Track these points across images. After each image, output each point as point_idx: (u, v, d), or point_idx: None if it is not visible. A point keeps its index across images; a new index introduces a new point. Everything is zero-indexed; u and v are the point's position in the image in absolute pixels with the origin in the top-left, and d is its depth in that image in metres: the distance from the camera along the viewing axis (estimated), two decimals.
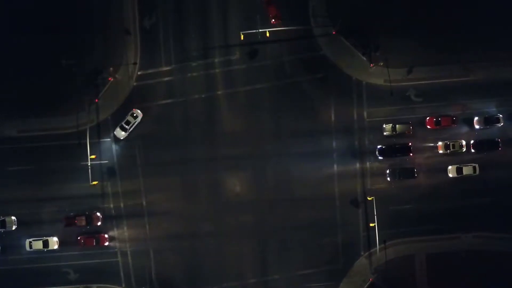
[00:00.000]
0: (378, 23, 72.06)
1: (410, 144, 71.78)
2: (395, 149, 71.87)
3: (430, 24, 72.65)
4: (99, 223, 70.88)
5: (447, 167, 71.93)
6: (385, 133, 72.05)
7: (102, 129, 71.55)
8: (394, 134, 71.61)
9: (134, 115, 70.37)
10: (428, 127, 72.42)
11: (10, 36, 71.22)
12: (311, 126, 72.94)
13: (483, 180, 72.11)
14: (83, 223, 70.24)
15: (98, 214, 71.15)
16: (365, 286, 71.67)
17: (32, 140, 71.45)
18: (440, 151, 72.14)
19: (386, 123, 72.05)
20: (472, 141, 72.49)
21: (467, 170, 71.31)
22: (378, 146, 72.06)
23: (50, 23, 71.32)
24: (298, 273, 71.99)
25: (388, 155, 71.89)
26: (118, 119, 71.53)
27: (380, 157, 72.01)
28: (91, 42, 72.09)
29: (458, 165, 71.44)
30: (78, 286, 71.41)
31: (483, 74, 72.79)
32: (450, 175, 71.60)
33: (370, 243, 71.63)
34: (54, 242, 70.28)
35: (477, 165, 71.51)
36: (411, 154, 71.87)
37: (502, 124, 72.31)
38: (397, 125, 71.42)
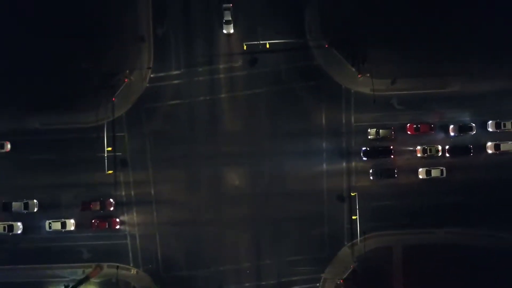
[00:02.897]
0: (366, 38, 75.45)
1: (391, 147, 76.17)
2: (378, 151, 76.20)
3: (412, 40, 76.24)
4: (111, 209, 75.29)
5: (419, 168, 76.24)
6: (369, 137, 76.20)
7: (117, 125, 75.78)
8: (378, 137, 75.89)
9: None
10: (409, 132, 76.53)
11: (37, 40, 75.45)
12: (303, 128, 76.61)
13: (449, 182, 76.09)
14: (98, 208, 74.88)
15: (111, 200, 75.51)
16: (347, 273, 75.88)
17: (54, 133, 75.50)
18: (419, 155, 76.39)
19: (371, 128, 76.25)
20: (447, 147, 76.74)
21: (435, 173, 75.64)
22: (363, 148, 76.30)
23: (74, 30, 75.51)
24: (287, 259, 76.20)
25: (371, 156, 76.20)
26: (132, 116, 75.82)
27: (364, 158, 76.29)
28: (109, 48, 76.19)
29: (427, 168, 75.80)
30: (90, 264, 75.52)
31: (459, 87, 76.65)
32: (420, 177, 76.09)
33: (353, 235, 75.94)
34: (71, 224, 74.92)
35: (444, 169, 75.80)
36: (392, 156, 76.27)
37: (474, 132, 76.46)
38: (380, 130, 75.79)
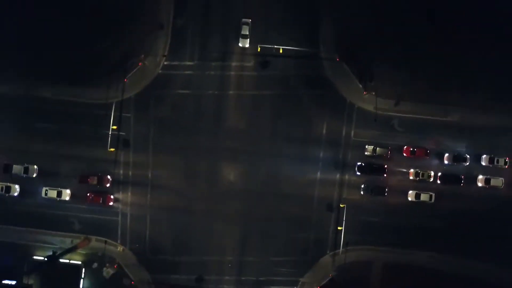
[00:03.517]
0: (376, 57, 77.36)
1: (386, 166, 77.81)
2: (373, 168, 77.81)
3: (421, 66, 77.84)
4: (108, 185, 76.80)
5: (409, 191, 77.97)
6: (366, 153, 77.84)
7: (125, 105, 77.17)
8: (374, 155, 77.64)
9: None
10: (404, 154, 78.17)
11: (61, 16, 77.06)
12: (304, 134, 78.12)
13: (437, 208, 77.79)
14: (95, 182, 76.33)
15: (109, 177, 76.99)
16: (325, 281, 77.48)
17: (63, 104, 76.74)
18: (411, 177, 78.11)
19: (368, 145, 77.81)
20: (439, 174, 78.31)
21: (424, 197, 77.27)
22: (358, 163, 78.00)
23: (97, 9, 77.21)
24: (270, 259, 77.81)
25: (365, 172, 77.80)
26: (141, 99, 77.41)
27: (358, 173, 77.95)
28: (129, 31, 77.65)
29: (417, 191, 77.51)
30: (79, 235, 76.94)
31: (459, 117, 78.39)
32: (409, 199, 77.78)
33: (336, 244, 77.55)
34: (66, 194, 76.35)
35: (433, 194, 77.37)
36: (385, 175, 77.80)
37: (468, 163, 78.26)
38: (377, 148, 77.53)
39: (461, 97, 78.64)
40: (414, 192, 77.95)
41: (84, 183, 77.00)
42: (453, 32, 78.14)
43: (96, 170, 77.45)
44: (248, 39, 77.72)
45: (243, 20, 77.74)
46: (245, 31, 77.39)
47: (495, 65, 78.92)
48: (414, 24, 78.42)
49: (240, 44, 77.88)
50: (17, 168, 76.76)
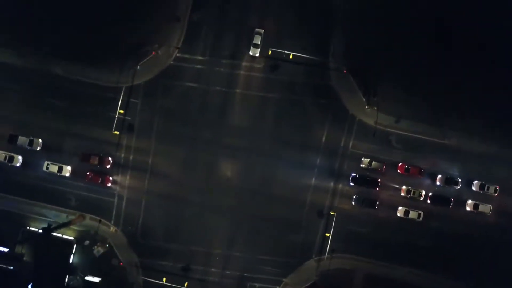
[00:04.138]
0: (382, 74, 79.03)
1: (379, 180, 79.47)
2: (366, 180, 79.50)
3: (426, 87, 79.61)
4: (108, 166, 78.70)
5: (399, 206, 79.57)
6: (362, 165, 79.49)
7: (134, 91, 78.92)
8: (369, 168, 79.33)
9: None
10: (399, 171, 79.80)
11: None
12: (303, 140, 79.80)
13: (424, 226, 79.41)
14: (96, 162, 78.11)
15: (110, 158, 78.76)
16: (307, 284, 79.15)
17: (74, 82, 78.58)
18: (402, 194, 79.82)
19: (365, 157, 79.54)
20: (430, 194, 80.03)
21: (413, 214, 79.09)
22: (353, 174, 79.67)
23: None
24: (257, 256, 79.61)
25: (358, 184, 79.49)
26: (150, 87, 79.00)
27: (351, 183, 79.61)
28: (146, 20, 79.50)
29: (406, 208, 79.25)
30: (75, 211, 78.79)
31: (457, 142, 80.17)
32: (398, 214, 79.42)
33: (322, 250, 79.35)
34: (67, 170, 78.17)
35: (422, 213, 79.16)
36: (377, 189, 79.48)
37: (459, 187, 79.97)
38: (373, 162, 79.19)
39: (460, 122, 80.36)
40: (404, 208, 79.68)
41: (86, 161, 78.70)
42: (461, 58, 79.91)
43: (98, 151, 79.14)
44: (259, 49, 79.30)
45: (256, 29, 79.59)
46: (257, 40, 79.08)
47: (497, 96, 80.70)
48: (423, 47, 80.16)
49: (250, 53, 79.57)
50: (22, 140, 78.33)
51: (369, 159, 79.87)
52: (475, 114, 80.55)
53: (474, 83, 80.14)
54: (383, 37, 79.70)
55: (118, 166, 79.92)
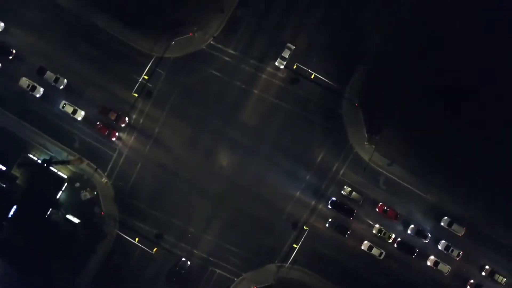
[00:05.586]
0: (391, 118, 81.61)
1: (355, 211, 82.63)
2: (343, 208, 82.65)
3: (427, 143, 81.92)
4: (123, 125, 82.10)
5: (365, 240, 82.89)
6: (343, 192, 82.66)
7: (162, 63, 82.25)
8: (348, 197, 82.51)
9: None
10: (377, 210, 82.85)
11: None
12: (301, 154, 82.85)
13: (383, 265, 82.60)
14: (113, 117, 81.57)
15: (127, 118, 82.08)
16: (263, 285, 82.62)
17: (111, 38, 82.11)
18: (374, 231, 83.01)
19: (348, 186, 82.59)
20: (399, 239, 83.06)
21: (375, 251, 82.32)
22: (333, 198, 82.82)
23: None
24: (226, 246, 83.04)
25: (336, 209, 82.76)
26: (177, 63, 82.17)
27: (330, 207, 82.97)
28: (193, 4, 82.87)
29: (371, 244, 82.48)
30: (75, 154, 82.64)
31: (438, 200, 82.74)
32: (362, 248, 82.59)
33: (286, 258, 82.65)
34: (80, 114, 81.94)
35: (384, 253, 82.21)
36: (351, 218, 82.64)
37: (427, 241, 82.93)
38: (353, 192, 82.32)
39: (446, 184, 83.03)
40: (369, 243, 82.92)
41: (104, 114, 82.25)
42: (464, 129, 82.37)
43: (114, 106, 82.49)
44: (285, 62, 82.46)
45: (288, 44, 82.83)
46: (286, 54, 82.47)
47: (488, 171, 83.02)
48: (434, 107, 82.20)
49: (276, 63, 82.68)
50: (49, 75, 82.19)
51: (350, 189, 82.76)
52: (462, 181, 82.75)
53: (469, 153, 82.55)
54: (401, 88, 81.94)
55: (127, 126, 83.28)
